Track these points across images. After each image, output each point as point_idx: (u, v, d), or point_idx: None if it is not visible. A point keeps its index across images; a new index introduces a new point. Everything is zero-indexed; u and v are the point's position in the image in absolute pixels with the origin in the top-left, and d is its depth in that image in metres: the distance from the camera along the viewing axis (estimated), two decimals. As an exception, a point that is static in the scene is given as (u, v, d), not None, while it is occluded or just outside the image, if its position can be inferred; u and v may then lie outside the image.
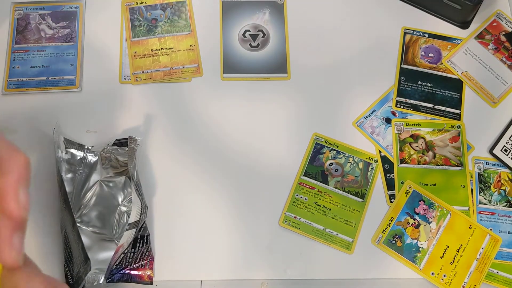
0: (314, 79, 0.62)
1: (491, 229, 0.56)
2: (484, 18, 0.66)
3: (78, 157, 0.55)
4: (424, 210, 0.56)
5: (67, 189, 0.53)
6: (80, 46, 0.61)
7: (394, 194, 0.57)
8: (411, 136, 0.59)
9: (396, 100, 0.61)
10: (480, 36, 0.64)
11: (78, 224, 0.52)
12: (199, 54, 0.62)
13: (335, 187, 0.57)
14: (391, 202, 0.57)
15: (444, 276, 0.54)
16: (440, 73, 0.62)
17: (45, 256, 0.52)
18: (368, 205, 0.56)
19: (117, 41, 0.62)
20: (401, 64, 0.63)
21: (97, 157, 0.55)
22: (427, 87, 0.62)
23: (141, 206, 0.49)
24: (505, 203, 0.57)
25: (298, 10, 0.65)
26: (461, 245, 0.55)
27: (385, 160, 0.58)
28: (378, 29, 0.64)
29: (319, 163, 0.58)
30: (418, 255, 0.54)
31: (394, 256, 0.54)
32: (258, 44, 0.63)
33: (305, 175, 0.57)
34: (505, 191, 0.58)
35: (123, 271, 0.50)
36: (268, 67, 0.62)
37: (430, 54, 0.63)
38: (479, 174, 0.58)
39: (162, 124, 0.58)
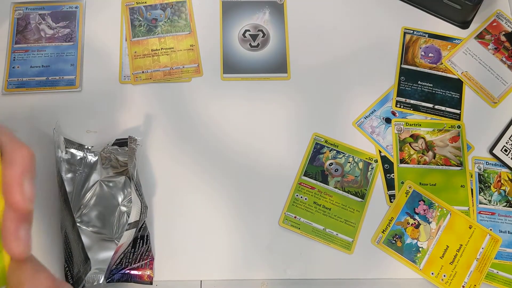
0: (314, 79, 0.62)
1: (491, 229, 0.56)
2: (484, 18, 0.66)
3: (78, 157, 0.55)
4: (424, 210, 0.56)
5: (67, 189, 0.53)
6: (80, 46, 0.61)
7: (394, 194, 0.57)
8: (411, 136, 0.59)
9: (396, 100, 0.61)
10: (480, 36, 0.64)
11: (78, 224, 0.52)
12: (199, 54, 0.62)
13: (335, 187, 0.57)
14: (391, 202, 0.57)
15: (444, 276, 0.54)
16: (440, 73, 0.62)
17: (45, 256, 0.52)
18: (368, 205, 0.56)
19: (117, 41, 0.62)
20: (401, 64, 0.63)
21: (97, 157, 0.55)
22: (427, 87, 0.62)
23: (141, 206, 0.49)
24: (505, 203, 0.57)
25: (298, 10, 0.65)
26: (461, 245, 0.55)
27: (385, 160, 0.58)
28: (378, 29, 0.64)
29: (319, 163, 0.58)
30: (418, 255, 0.54)
31: (394, 256, 0.54)
32: (258, 44, 0.63)
33: (305, 175, 0.57)
34: (505, 191, 0.58)
35: (123, 271, 0.50)
36: (268, 67, 0.62)
37: (430, 54, 0.63)
38: (479, 174, 0.58)
39: (162, 124, 0.58)
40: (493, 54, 0.63)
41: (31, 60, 0.60)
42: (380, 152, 0.59)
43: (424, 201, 0.56)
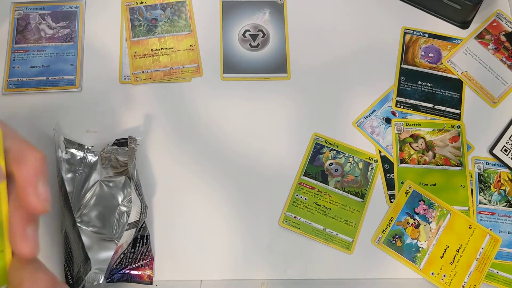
0: (314, 79, 0.62)
1: (491, 229, 0.56)
2: (484, 18, 0.66)
3: (78, 157, 0.55)
4: (424, 210, 0.56)
5: (67, 189, 0.53)
6: (80, 46, 0.61)
7: (394, 194, 0.57)
8: (411, 136, 0.59)
9: (396, 100, 0.61)
10: (480, 36, 0.64)
11: (78, 224, 0.52)
12: (199, 54, 0.62)
13: (335, 187, 0.57)
14: (391, 202, 0.57)
15: (444, 276, 0.54)
16: (440, 73, 0.62)
17: (45, 256, 0.52)
18: (368, 205, 0.56)
19: (117, 41, 0.62)
20: (401, 64, 0.63)
21: (97, 157, 0.55)
22: (427, 87, 0.62)
23: (141, 206, 0.49)
24: (505, 203, 0.57)
25: (298, 10, 0.65)
26: (461, 245, 0.55)
27: (385, 160, 0.58)
28: (378, 29, 0.64)
29: (319, 163, 0.58)
30: (418, 255, 0.54)
31: (394, 256, 0.54)
32: (258, 44, 0.63)
33: (305, 175, 0.57)
34: (505, 191, 0.58)
35: (123, 271, 0.50)
36: (268, 67, 0.62)
37: (430, 54, 0.63)
38: (479, 174, 0.58)
39: (162, 124, 0.58)
40: (493, 54, 0.63)
41: (31, 60, 0.60)
42: (380, 152, 0.59)
43: (424, 201, 0.56)
